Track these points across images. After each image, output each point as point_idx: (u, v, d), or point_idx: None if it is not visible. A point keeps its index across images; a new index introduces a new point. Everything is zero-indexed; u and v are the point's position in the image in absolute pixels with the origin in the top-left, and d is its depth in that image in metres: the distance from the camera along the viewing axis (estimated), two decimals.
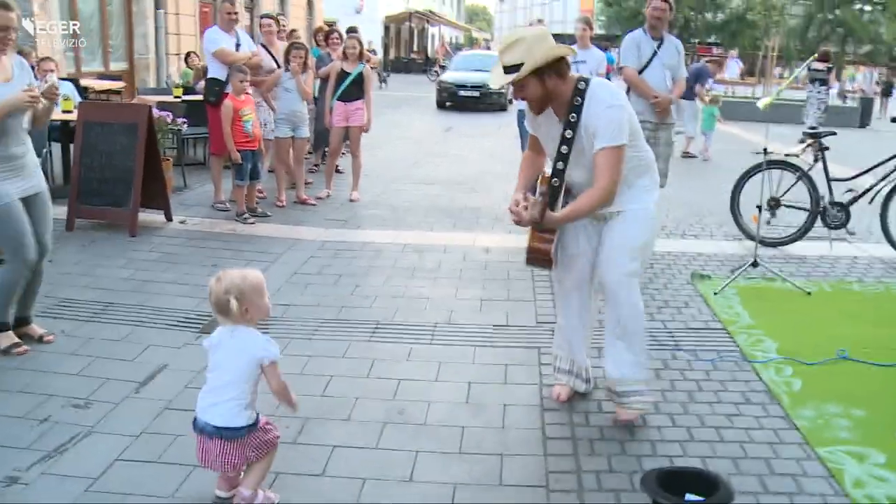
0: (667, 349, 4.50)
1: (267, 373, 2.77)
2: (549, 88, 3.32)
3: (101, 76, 13.38)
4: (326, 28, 10.22)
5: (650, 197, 3.56)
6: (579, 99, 3.32)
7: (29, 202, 4.22)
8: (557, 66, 3.30)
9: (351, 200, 8.35)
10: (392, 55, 47.74)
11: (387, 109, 19.26)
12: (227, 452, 2.73)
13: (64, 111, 7.69)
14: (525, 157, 3.80)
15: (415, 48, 52.56)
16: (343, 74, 8.15)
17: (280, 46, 8.32)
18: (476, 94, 19.76)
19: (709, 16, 48.39)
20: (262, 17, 8.25)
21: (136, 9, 15.52)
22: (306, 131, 8.06)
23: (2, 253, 4.27)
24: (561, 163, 3.42)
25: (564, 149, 3.39)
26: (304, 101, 7.89)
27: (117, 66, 15.30)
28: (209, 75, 7.70)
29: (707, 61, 14.33)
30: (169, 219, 7.14)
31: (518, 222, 3.41)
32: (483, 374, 4.14)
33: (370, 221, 7.54)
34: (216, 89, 7.46)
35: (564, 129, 3.37)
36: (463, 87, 20.21)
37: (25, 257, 4.15)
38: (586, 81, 3.36)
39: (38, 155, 6.41)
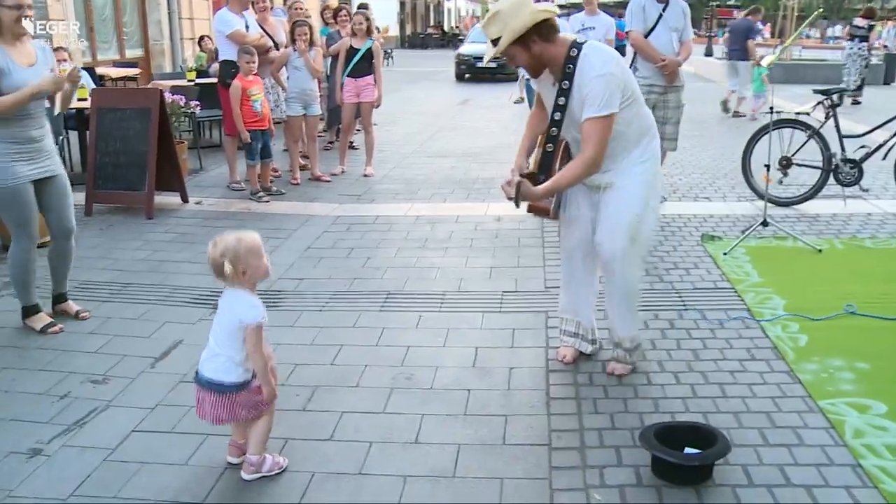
0: (674, 309, 4.54)
1: (247, 335, 2.80)
2: (537, 54, 3.34)
3: (117, 63, 13.53)
4: (334, 5, 10.23)
5: (644, 168, 3.53)
6: (571, 66, 3.33)
7: (45, 184, 4.33)
8: (540, 31, 3.30)
9: (365, 175, 8.43)
10: (409, 31, 47.57)
11: (403, 84, 19.33)
12: (216, 405, 2.84)
13: (79, 99, 7.78)
14: (532, 114, 3.84)
15: (431, 23, 52.30)
16: (352, 51, 8.19)
17: (275, 23, 8.36)
18: (493, 64, 19.85)
19: None
20: None
21: None
22: (318, 109, 8.12)
23: (6, 235, 4.38)
24: (555, 129, 3.45)
25: (557, 115, 3.42)
26: (314, 78, 7.94)
27: (133, 52, 15.44)
28: (223, 58, 7.74)
29: (746, 14, 13.70)
30: (185, 200, 7.25)
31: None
32: (490, 339, 4.21)
33: (383, 195, 7.61)
34: (232, 71, 7.52)
35: (557, 96, 3.39)
36: (480, 58, 20.29)
37: (29, 234, 4.29)
38: (578, 47, 3.34)
39: (55, 142, 6.58)
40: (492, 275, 5.24)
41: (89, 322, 4.51)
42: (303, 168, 8.43)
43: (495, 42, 3.33)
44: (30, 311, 4.43)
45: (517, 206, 3.35)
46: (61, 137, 6.93)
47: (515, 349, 4.08)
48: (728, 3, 50.59)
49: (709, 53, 26.90)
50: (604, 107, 3.26)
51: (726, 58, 13.83)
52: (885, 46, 21.85)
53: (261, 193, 7.39)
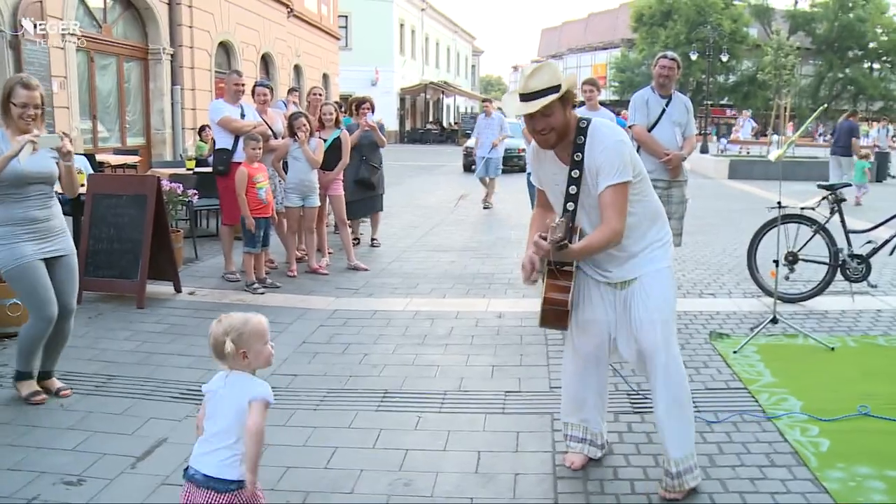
0: None
1: (251, 409, 2.58)
2: (567, 118, 3.24)
3: (118, 151, 13.58)
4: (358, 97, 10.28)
5: (664, 253, 3.42)
6: (582, 137, 3.24)
7: (53, 264, 4.43)
8: (569, 99, 3.24)
9: (352, 268, 8.25)
10: (408, 126, 48.41)
11: (404, 178, 19.41)
12: None
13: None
14: (534, 216, 3.68)
15: (430, 119, 53.29)
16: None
17: (274, 115, 8.39)
18: (509, 154, 20.96)
19: (720, 78, 48.98)
20: (256, 85, 8.31)
21: (154, 85, 15.86)
22: (316, 200, 8.02)
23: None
24: (571, 203, 3.31)
25: (573, 189, 3.28)
26: (312, 169, 7.88)
27: (134, 140, 15.58)
28: (217, 146, 7.74)
29: (848, 116, 15.83)
30: (178, 290, 7.08)
31: (529, 276, 3.28)
32: (493, 442, 3.97)
33: (381, 289, 7.44)
34: (224, 158, 7.50)
35: (571, 169, 3.27)
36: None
37: (46, 315, 4.35)
38: (587, 121, 3.28)
39: None
40: (494, 374, 5.03)
41: (68, 417, 4.27)
42: (300, 260, 8.29)
43: (533, 94, 3.16)
44: (23, 376, 4.49)
45: (555, 263, 3.21)
46: None
47: (520, 454, 3.84)
48: (721, 102, 51.81)
49: (704, 150, 27.28)
50: (620, 174, 3.18)
51: (830, 153, 15.80)
52: (877, 146, 22.17)
53: (256, 285, 7.23)
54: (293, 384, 4.81)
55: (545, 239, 3.10)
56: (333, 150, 8.25)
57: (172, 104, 16.16)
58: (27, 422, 4.21)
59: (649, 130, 6.62)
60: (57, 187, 4.50)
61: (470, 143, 23.39)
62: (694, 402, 4.41)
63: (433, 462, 3.73)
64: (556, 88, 3.14)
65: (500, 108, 14.12)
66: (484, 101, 15.95)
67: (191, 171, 9.72)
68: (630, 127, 6.83)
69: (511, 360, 5.28)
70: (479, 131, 14.19)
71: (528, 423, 4.21)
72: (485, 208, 13.61)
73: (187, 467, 2.62)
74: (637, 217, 3.31)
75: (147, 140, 15.94)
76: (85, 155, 10.18)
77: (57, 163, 4.41)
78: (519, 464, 3.72)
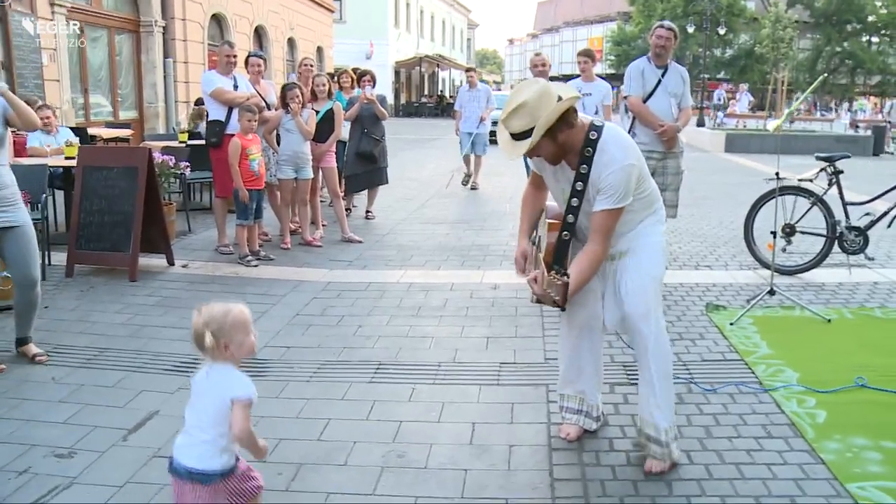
0: (682, 382, 4.28)
1: (233, 412, 2.51)
2: (561, 142, 3.14)
3: (110, 125, 13.45)
4: (351, 72, 10.10)
5: (656, 229, 3.40)
6: (590, 150, 3.14)
7: (5, 235, 4.38)
8: (566, 118, 3.11)
9: (346, 240, 8.19)
10: (403, 99, 48.13)
11: (398, 151, 19.26)
12: (200, 497, 2.51)
13: (66, 157, 7.65)
14: (526, 193, 3.62)
15: (426, 92, 52.98)
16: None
17: (266, 86, 8.28)
18: (494, 129, 20.32)
19: (717, 52, 48.62)
20: (250, 56, 8.19)
21: (146, 58, 15.70)
22: (309, 172, 7.93)
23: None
24: (571, 216, 3.24)
25: (575, 201, 3.21)
26: (305, 140, 7.79)
27: (127, 114, 15.43)
28: (210, 118, 7.64)
29: None
30: (171, 263, 7.02)
31: (523, 269, 3.32)
32: (488, 413, 3.94)
33: (375, 262, 7.39)
34: (217, 130, 7.41)
35: (575, 181, 3.19)
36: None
37: None
38: (598, 130, 3.17)
39: (37, 200, 6.39)
40: (488, 345, 4.99)
41: (60, 389, 4.22)
42: (293, 232, 8.23)
43: (516, 136, 3.10)
44: None
45: (563, 309, 3.18)
46: (45, 195, 6.71)
47: (515, 425, 3.81)
48: (717, 76, 51.47)
49: (700, 124, 27.17)
50: (620, 199, 3.12)
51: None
52: (888, 122, 22.10)
53: (249, 257, 7.17)
54: (286, 356, 4.77)
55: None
56: (326, 122, 8.16)
57: (165, 77, 15.99)
58: (18, 395, 4.16)
59: (644, 101, 6.54)
60: (9, 157, 4.47)
61: None
62: (690, 373, 4.42)
63: (427, 433, 3.70)
64: (541, 126, 3.03)
65: (485, 81, 13.51)
66: (468, 70, 14.45)
67: (183, 144, 9.61)
68: (625, 97, 6.76)
69: (506, 331, 5.24)
70: (462, 104, 12.76)
71: (523, 394, 4.19)
72: (471, 189, 12.56)
73: (171, 459, 2.56)
74: (634, 211, 3.27)
75: (140, 113, 15.79)
76: (77, 129, 10.07)
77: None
78: (513, 435, 3.69)
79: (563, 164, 3.24)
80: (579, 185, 3.17)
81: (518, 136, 3.11)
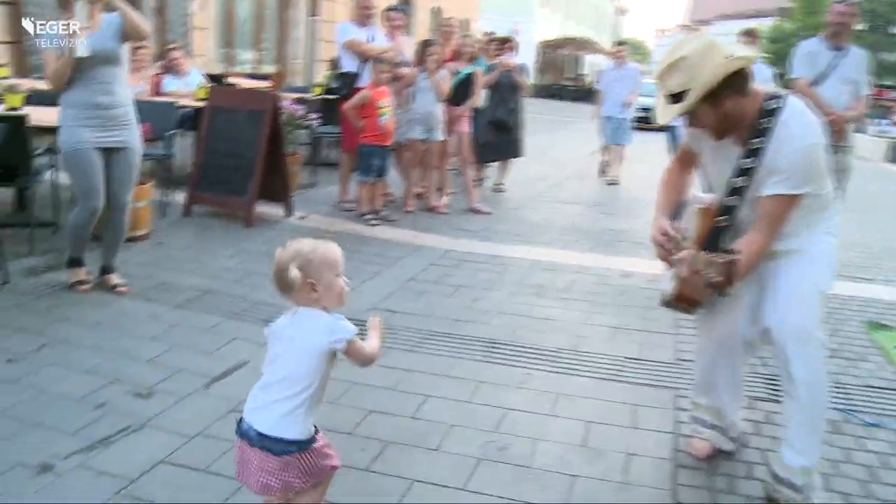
0: (838, 409, 3.64)
1: (350, 356, 2.18)
2: (727, 111, 2.57)
3: (251, 77, 13.53)
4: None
5: (827, 239, 2.79)
6: (768, 121, 2.57)
7: (110, 155, 4.33)
8: (734, 82, 2.54)
9: (473, 210, 7.77)
10: (545, 81, 47.29)
11: (537, 130, 18.70)
12: (266, 469, 2.15)
13: (199, 99, 7.56)
14: (669, 171, 3.05)
15: (568, 75, 51.87)
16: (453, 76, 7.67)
17: (403, 41, 7.91)
18: (642, 114, 20.11)
19: (885, 55, 45.23)
20: (388, 9, 7.83)
21: (291, 15, 15.72)
22: (440, 134, 7.56)
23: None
24: (735, 197, 2.67)
25: (741, 181, 2.64)
26: (439, 101, 7.41)
27: (269, 68, 15.51)
28: (342, 70, 7.38)
29: None
30: (288, 213, 6.82)
31: (665, 256, 2.74)
32: (607, 413, 3.44)
33: (502, 235, 6.93)
34: (348, 81, 7.14)
35: (745, 157, 2.62)
36: (646, 109, 20.32)
37: (90, 205, 4.32)
38: (780, 100, 2.59)
39: (160, 137, 6.29)
40: (614, 336, 4.47)
41: (154, 326, 4.02)
42: (418, 196, 7.87)
43: (675, 97, 2.57)
44: (73, 262, 4.53)
45: (724, 294, 2.59)
46: (170, 133, 6.60)
47: (636, 430, 3.30)
48: (884, 83, 48.04)
49: (860, 130, 25.27)
50: (798, 185, 2.55)
51: None
52: None
53: (369, 216, 6.87)
54: (391, 321, 4.41)
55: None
56: (464, 86, 7.75)
57: (308, 35, 16.02)
58: (114, 327, 4.00)
59: (813, 85, 5.77)
60: (128, 78, 4.45)
61: None
62: (851, 400, 3.76)
63: (535, 427, 3.24)
64: (700, 88, 2.49)
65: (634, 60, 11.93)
66: (618, 45, 12.03)
67: (317, 97, 9.42)
68: (788, 80, 5.99)
69: (634, 323, 4.70)
70: (606, 84, 11.06)
71: (648, 395, 3.66)
72: (609, 183, 10.77)
73: (240, 420, 2.20)
74: (805, 208, 2.66)
75: (281, 68, 15.87)
76: (216, 77, 10.07)
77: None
78: (633, 442, 3.18)
79: (726, 141, 2.68)
80: (748, 162, 2.61)
81: (675, 98, 2.58)
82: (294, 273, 2.11)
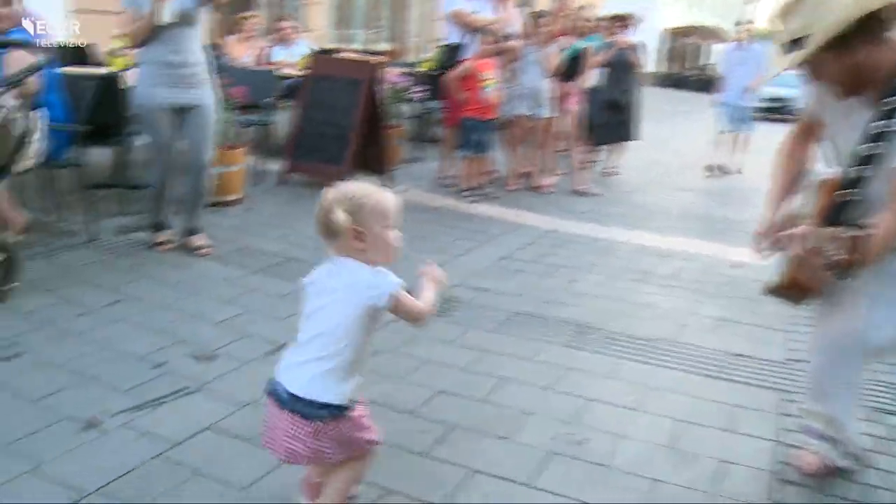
0: None
1: (397, 313, 1.93)
2: (859, 62, 2.14)
3: (364, 53, 13.49)
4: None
5: None
6: None
7: (185, 114, 4.30)
8: (869, 28, 2.11)
9: (580, 192, 7.39)
10: (668, 70, 45.82)
11: (656, 118, 17.98)
12: (294, 435, 1.92)
13: (302, 69, 7.48)
14: (786, 145, 2.63)
15: (693, 64, 50.05)
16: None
17: (513, 14, 7.56)
18: (773, 104, 19.72)
19: None
20: None
21: None
22: (547, 111, 7.21)
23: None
24: (864, 167, 2.24)
25: (871, 148, 2.21)
26: (546, 77, 7.05)
27: (382, 46, 15.46)
28: (447, 41, 7.15)
29: None
30: (387, 186, 6.64)
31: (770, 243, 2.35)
32: (701, 412, 3.06)
33: (609, 218, 6.53)
34: (452, 54, 6.90)
35: (876, 120, 2.19)
36: (778, 99, 19.45)
37: (164, 162, 4.34)
38: None
39: (258, 105, 6.25)
40: (718, 328, 4.05)
41: (230, 290, 3.91)
42: (523, 175, 7.55)
43: (794, 44, 2.16)
44: (156, 225, 4.54)
45: (846, 278, 2.19)
46: (270, 99, 6.54)
47: (734, 435, 2.90)
48: None
49: None
50: None
51: None
52: None
53: (470, 192, 6.62)
54: (477, 299, 4.15)
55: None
56: (575, 62, 7.35)
57: (423, 14, 15.88)
58: (192, 287, 3.93)
59: None
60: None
61: None
62: None
63: (619, 422, 2.91)
64: (824, 32, 2.08)
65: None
66: (744, 23, 10.42)
67: (424, 71, 9.21)
68: None
69: (742, 316, 4.26)
70: (727, 66, 9.86)
71: (751, 397, 3.24)
72: (720, 173, 9.71)
73: (271, 379, 1.99)
74: None
75: (394, 47, 15.80)
76: (326, 51, 10.03)
77: None
78: (729, 448, 2.79)
79: (854, 101, 2.25)
80: (881, 125, 2.17)
81: (793, 46, 2.17)
82: (340, 217, 1.87)
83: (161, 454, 2.39)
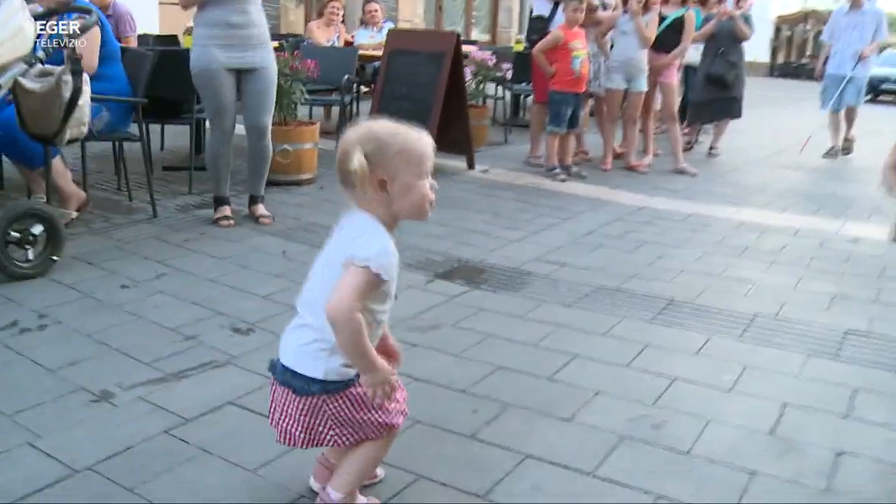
0: None
1: (345, 274, 1.51)
2: None
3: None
4: None
5: None
6: None
7: (244, 76, 4.14)
8: None
9: (678, 171, 6.84)
10: (780, 59, 43.79)
11: (765, 104, 17.07)
12: (287, 413, 1.63)
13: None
14: None
15: (808, 53, 47.67)
16: (659, 20, 6.69)
17: None
18: (884, 87, 19.52)
19: None
20: None
21: None
22: (643, 84, 6.68)
23: None
24: None
25: None
26: (642, 48, 6.55)
27: (479, 36, 15.21)
28: (534, 13, 6.77)
29: None
30: (470, 166, 6.34)
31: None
32: (810, 395, 2.57)
33: (707, 195, 5.98)
34: (539, 26, 6.52)
35: None
36: (885, 80, 20.08)
37: (221, 126, 4.17)
38: None
39: (336, 83, 6.04)
40: (831, 305, 3.52)
41: (281, 264, 3.68)
42: (618, 156, 7.05)
43: None
44: (218, 200, 4.36)
45: None
46: (348, 79, 6.31)
47: (851, 422, 2.41)
48: None
49: None
50: None
51: None
52: None
53: (557, 170, 6.20)
54: (556, 273, 3.75)
55: None
56: (674, 32, 6.81)
57: (521, 3, 15.54)
58: (243, 261, 3.70)
59: None
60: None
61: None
62: None
63: (707, 404, 2.46)
64: None
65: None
66: None
67: (512, 50, 8.85)
68: None
69: (861, 292, 3.71)
70: (835, 32, 8.51)
71: (873, 379, 2.73)
72: (836, 153, 8.58)
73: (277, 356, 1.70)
74: None
75: (492, 37, 15.53)
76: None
77: None
78: (844, 437, 2.31)
79: None
80: None
81: None
82: (359, 160, 1.51)
83: (170, 430, 2.11)
